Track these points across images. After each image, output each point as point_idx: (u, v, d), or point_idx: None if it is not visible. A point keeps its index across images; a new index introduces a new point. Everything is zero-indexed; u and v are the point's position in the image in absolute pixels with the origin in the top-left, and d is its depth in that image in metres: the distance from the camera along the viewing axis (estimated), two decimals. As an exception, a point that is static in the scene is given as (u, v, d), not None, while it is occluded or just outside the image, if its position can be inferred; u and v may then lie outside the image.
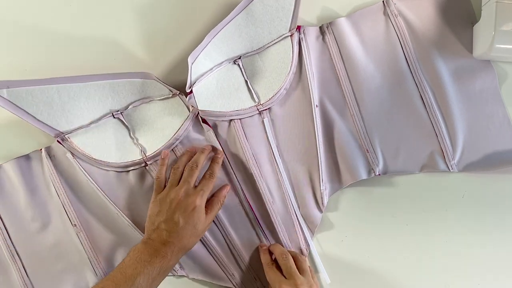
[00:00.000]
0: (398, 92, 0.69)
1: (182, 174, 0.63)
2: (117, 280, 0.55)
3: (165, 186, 0.64)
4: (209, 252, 0.67)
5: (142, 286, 0.56)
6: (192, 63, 0.61)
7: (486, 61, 0.69)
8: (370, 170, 0.68)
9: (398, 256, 0.69)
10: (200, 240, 0.67)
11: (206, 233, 0.67)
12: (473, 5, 0.69)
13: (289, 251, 0.65)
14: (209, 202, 0.64)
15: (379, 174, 0.68)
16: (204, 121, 0.66)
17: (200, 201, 0.61)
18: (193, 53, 0.61)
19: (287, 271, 0.61)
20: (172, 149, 0.67)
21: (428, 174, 0.69)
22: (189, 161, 0.65)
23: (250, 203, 0.68)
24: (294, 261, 0.63)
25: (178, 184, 0.63)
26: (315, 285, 0.62)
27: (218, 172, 0.66)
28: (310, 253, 0.69)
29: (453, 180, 0.70)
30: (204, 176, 0.64)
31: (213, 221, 0.67)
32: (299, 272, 0.62)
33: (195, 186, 0.63)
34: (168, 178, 0.64)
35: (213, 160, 0.66)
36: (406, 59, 0.69)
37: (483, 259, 0.69)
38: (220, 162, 0.66)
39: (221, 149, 0.67)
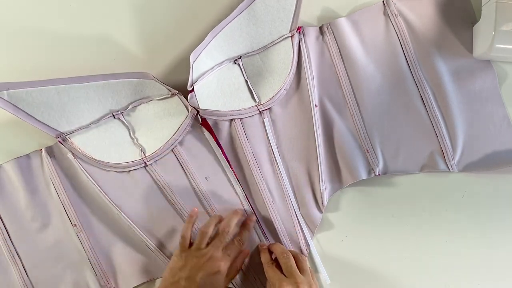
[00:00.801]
0: (398, 92, 0.69)
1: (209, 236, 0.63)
2: None
3: (190, 244, 0.63)
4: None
5: None
6: (193, 61, 0.61)
7: (486, 61, 0.69)
8: (370, 170, 0.68)
9: (398, 256, 0.69)
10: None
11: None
12: (473, 5, 0.69)
13: (289, 251, 0.65)
14: (229, 267, 0.64)
15: (379, 174, 0.68)
16: (203, 123, 0.66)
17: (225, 267, 0.61)
18: (195, 51, 0.61)
19: (287, 270, 0.61)
20: (172, 150, 0.67)
21: (428, 174, 0.69)
22: (218, 222, 0.65)
23: (250, 202, 0.68)
24: (295, 261, 0.63)
25: (204, 245, 0.62)
26: (315, 285, 0.62)
27: (202, 169, 0.67)
28: (310, 253, 0.69)
29: (453, 180, 0.70)
30: (232, 241, 0.65)
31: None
32: (299, 271, 0.61)
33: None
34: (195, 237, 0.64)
35: (244, 227, 0.67)
36: (406, 59, 0.69)
37: (483, 259, 0.69)
38: (251, 230, 0.67)
39: (254, 217, 0.68)
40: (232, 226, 0.64)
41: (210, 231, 0.63)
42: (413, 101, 0.69)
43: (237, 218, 0.65)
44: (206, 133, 0.67)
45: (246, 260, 0.68)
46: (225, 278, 0.62)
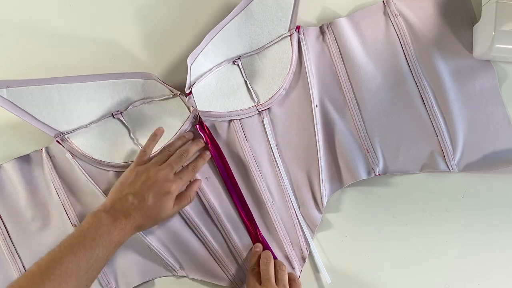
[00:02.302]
0: (398, 92, 0.69)
1: (169, 157, 0.63)
2: (76, 250, 0.52)
3: (148, 161, 0.63)
4: (209, 252, 0.67)
5: (99, 258, 0.54)
6: (191, 64, 0.61)
7: (486, 61, 0.69)
8: (370, 170, 0.68)
9: (398, 256, 0.69)
10: (201, 240, 0.67)
11: (207, 233, 0.67)
12: (473, 5, 0.69)
13: (275, 260, 0.65)
14: (179, 195, 0.63)
15: (379, 174, 0.68)
16: (201, 128, 0.67)
17: (175, 189, 0.60)
18: (192, 54, 0.61)
19: (263, 277, 0.62)
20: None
21: (428, 174, 0.69)
22: (181, 147, 0.64)
23: (248, 204, 0.68)
24: (275, 270, 0.63)
25: (160, 164, 0.62)
26: None
27: (202, 169, 0.67)
28: (310, 253, 0.69)
29: (453, 180, 0.70)
30: (187, 166, 0.64)
31: (214, 222, 0.67)
32: (276, 282, 0.62)
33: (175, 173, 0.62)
34: (154, 155, 0.64)
35: (200, 155, 0.66)
36: (406, 59, 0.69)
37: (483, 259, 0.69)
38: (206, 160, 0.66)
39: (209, 153, 0.67)
40: (191, 152, 0.64)
41: (172, 151, 0.63)
42: (413, 101, 0.69)
43: (198, 147, 0.65)
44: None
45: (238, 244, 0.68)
46: (175, 203, 0.62)
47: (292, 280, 0.64)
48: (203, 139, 0.67)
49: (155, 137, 0.64)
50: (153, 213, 0.59)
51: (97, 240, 0.54)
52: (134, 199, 0.58)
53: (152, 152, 0.65)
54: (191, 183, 0.65)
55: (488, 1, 0.64)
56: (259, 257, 0.66)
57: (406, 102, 0.69)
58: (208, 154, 0.67)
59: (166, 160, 0.62)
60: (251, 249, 0.68)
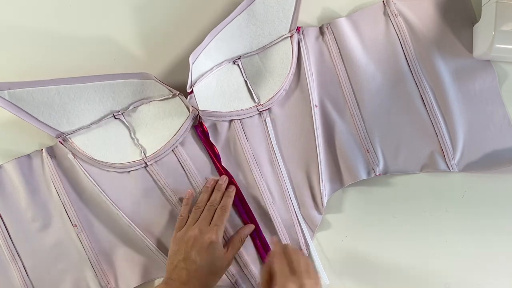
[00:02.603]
0: (398, 92, 0.69)
1: (201, 214, 0.64)
2: None
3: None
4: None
5: None
6: (193, 63, 0.61)
7: (486, 61, 0.69)
8: (370, 170, 0.68)
9: (398, 256, 0.69)
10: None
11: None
12: (473, 5, 0.69)
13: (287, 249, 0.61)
14: (231, 240, 0.65)
15: (380, 174, 0.68)
16: (200, 131, 0.67)
17: (216, 237, 0.61)
18: (194, 52, 0.61)
19: (297, 267, 0.56)
20: (172, 150, 0.67)
21: (428, 174, 0.69)
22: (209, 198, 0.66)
23: (248, 204, 0.68)
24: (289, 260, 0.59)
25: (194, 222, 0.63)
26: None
27: (201, 170, 0.68)
28: (309, 254, 0.69)
29: (453, 180, 0.70)
30: (216, 212, 0.64)
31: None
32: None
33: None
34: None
35: (225, 194, 0.66)
36: (406, 59, 0.69)
37: (483, 259, 0.69)
38: (233, 196, 0.66)
39: (234, 187, 0.67)
40: (218, 201, 0.65)
41: (202, 207, 0.64)
42: (413, 101, 0.69)
43: (221, 192, 0.66)
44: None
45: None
46: (229, 250, 0.63)
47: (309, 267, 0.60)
48: (202, 139, 0.67)
49: (187, 201, 0.66)
50: (207, 269, 0.59)
51: None
52: (185, 264, 0.59)
53: (153, 151, 0.65)
54: (241, 228, 0.67)
55: (488, 1, 0.64)
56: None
57: (406, 102, 0.69)
58: (232, 190, 0.67)
59: (199, 217, 0.64)
60: (250, 251, 0.68)
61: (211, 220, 0.63)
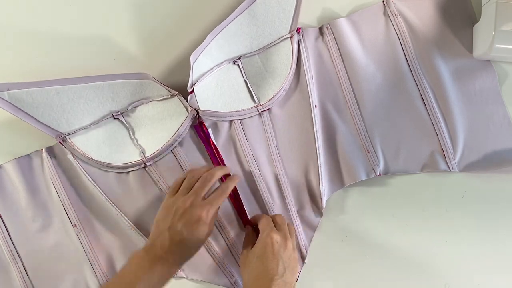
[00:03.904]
0: (398, 92, 0.69)
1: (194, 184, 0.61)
2: (116, 287, 0.55)
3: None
4: (209, 253, 0.67)
5: None
6: (193, 62, 0.61)
7: (486, 61, 0.68)
8: (370, 170, 0.68)
9: (398, 256, 0.69)
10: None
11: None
12: (473, 5, 0.69)
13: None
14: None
15: (380, 175, 0.68)
16: (200, 130, 0.67)
17: (206, 216, 0.57)
18: (195, 52, 0.61)
19: (280, 226, 0.62)
20: (171, 150, 0.67)
21: (428, 174, 0.69)
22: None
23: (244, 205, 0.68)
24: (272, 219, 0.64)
25: (187, 191, 0.60)
26: (291, 241, 0.62)
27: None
28: (308, 254, 0.69)
29: (453, 180, 0.70)
30: (216, 189, 0.61)
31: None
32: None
33: (204, 199, 0.59)
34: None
35: (230, 178, 0.64)
36: (406, 59, 0.69)
37: (483, 259, 0.69)
38: (236, 182, 0.64)
39: (238, 176, 0.66)
40: (216, 176, 0.61)
41: (197, 177, 0.61)
42: (414, 101, 0.69)
43: (223, 171, 0.63)
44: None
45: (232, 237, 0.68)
46: (209, 225, 0.59)
47: (289, 227, 0.64)
48: (202, 139, 0.67)
49: (188, 173, 0.63)
50: (191, 242, 0.58)
51: (138, 276, 0.55)
52: (170, 234, 0.57)
53: (153, 152, 0.65)
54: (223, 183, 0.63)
55: (488, 1, 0.64)
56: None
57: (406, 102, 0.69)
58: (237, 178, 0.64)
59: (192, 187, 0.60)
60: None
61: (205, 195, 0.60)
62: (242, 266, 0.61)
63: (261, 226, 0.62)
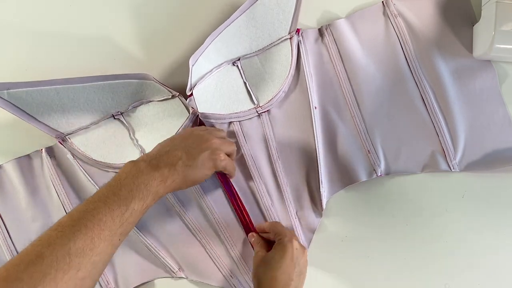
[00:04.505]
0: (398, 92, 0.69)
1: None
2: (111, 202, 0.49)
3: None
4: (208, 253, 0.67)
5: (135, 211, 0.50)
6: (192, 65, 0.61)
7: (486, 61, 0.68)
8: (371, 171, 0.68)
9: (398, 256, 0.69)
10: (199, 241, 0.67)
11: (205, 235, 0.67)
12: (473, 5, 0.69)
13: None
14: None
15: (381, 175, 0.68)
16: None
17: (223, 159, 0.59)
18: (194, 55, 0.61)
19: (277, 233, 0.61)
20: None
21: (428, 174, 0.69)
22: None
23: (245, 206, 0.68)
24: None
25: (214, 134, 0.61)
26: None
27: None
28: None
29: (453, 180, 0.69)
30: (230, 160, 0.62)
31: (212, 223, 0.67)
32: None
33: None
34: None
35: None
36: (406, 59, 0.69)
37: (483, 259, 0.69)
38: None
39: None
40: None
41: (224, 132, 0.64)
42: (414, 101, 0.69)
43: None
44: None
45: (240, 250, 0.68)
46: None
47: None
48: None
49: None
50: (197, 174, 0.57)
51: (133, 192, 0.51)
52: (184, 154, 0.55)
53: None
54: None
55: (488, 1, 0.64)
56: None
57: (407, 103, 0.69)
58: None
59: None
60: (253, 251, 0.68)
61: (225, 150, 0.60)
62: (256, 266, 0.60)
63: (278, 231, 0.61)
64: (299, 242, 0.60)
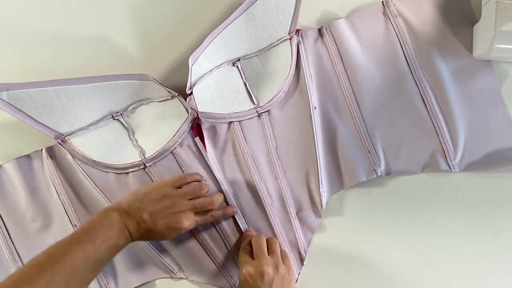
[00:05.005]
0: (398, 92, 0.69)
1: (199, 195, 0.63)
2: (86, 248, 0.53)
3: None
4: (208, 254, 0.67)
5: (104, 260, 0.55)
6: (192, 65, 0.61)
7: (486, 61, 0.68)
8: (371, 171, 0.68)
9: (398, 256, 0.69)
10: (199, 242, 0.67)
11: (206, 236, 0.67)
12: (473, 5, 0.69)
13: (266, 237, 0.66)
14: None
15: (381, 175, 0.68)
16: (199, 133, 0.67)
17: (186, 228, 0.60)
18: (193, 54, 0.61)
19: (255, 250, 0.62)
20: (171, 152, 0.67)
21: (428, 174, 0.69)
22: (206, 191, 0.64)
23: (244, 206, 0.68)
24: (267, 242, 0.64)
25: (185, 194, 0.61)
26: (283, 266, 0.62)
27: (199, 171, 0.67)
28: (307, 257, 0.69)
29: (453, 180, 0.69)
30: (207, 212, 0.63)
31: (213, 224, 0.67)
32: (268, 253, 0.62)
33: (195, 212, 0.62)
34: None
35: (225, 209, 0.66)
36: (406, 59, 0.69)
37: (483, 259, 0.69)
38: (227, 216, 0.67)
39: (235, 210, 0.67)
40: (217, 202, 0.64)
41: (204, 190, 0.63)
42: (414, 101, 0.68)
43: (221, 199, 0.66)
44: (197, 139, 0.67)
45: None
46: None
47: (282, 251, 0.65)
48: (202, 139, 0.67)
49: (202, 179, 0.65)
50: (156, 237, 0.60)
51: (106, 242, 0.54)
52: (148, 217, 0.58)
53: (152, 153, 0.66)
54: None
55: (488, 1, 0.64)
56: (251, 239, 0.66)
57: (407, 102, 0.69)
58: (232, 212, 0.67)
59: (195, 197, 0.62)
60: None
61: (199, 211, 0.62)
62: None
63: (239, 261, 0.63)
64: (271, 266, 0.60)
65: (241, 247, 0.65)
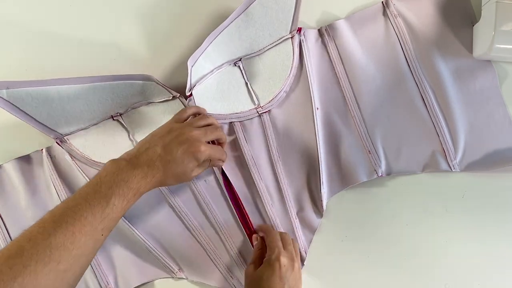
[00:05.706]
0: (398, 92, 0.69)
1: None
2: (91, 198, 0.50)
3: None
4: (208, 254, 0.68)
5: (116, 207, 0.51)
6: (192, 66, 0.61)
7: (486, 61, 0.68)
8: (372, 171, 0.68)
9: (398, 256, 0.69)
10: (199, 242, 0.67)
11: (206, 236, 0.67)
12: (473, 5, 0.69)
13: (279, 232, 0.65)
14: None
15: (382, 175, 0.68)
16: None
17: (204, 151, 0.57)
18: (192, 56, 0.61)
19: (285, 243, 0.62)
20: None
21: (428, 174, 0.69)
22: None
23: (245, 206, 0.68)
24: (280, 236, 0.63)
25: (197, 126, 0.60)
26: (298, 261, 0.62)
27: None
28: (307, 256, 0.69)
29: (453, 180, 0.69)
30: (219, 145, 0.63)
31: (212, 224, 0.68)
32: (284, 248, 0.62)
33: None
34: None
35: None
36: (406, 59, 0.69)
37: (483, 259, 0.69)
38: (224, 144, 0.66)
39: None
40: (224, 134, 0.64)
41: (209, 121, 0.62)
42: (414, 101, 0.68)
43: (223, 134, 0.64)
44: None
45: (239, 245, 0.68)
46: (197, 167, 0.59)
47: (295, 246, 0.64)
48: None
49: (198, 108, 0.63)
50: (177, 169, 0.56)
51: (113, 189, 0.51)
52: (162, 150, 0.55)
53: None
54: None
55: (488, 1, 0.64)
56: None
57: (407, 103, 0.69)
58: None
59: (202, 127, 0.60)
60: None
61: (209, 139, 0.60)
62: (246, 284, 0.61)
63: (269, 243, 0.62)
64: (288, 257, 0.60)
65: (268, 227, 0.65)
